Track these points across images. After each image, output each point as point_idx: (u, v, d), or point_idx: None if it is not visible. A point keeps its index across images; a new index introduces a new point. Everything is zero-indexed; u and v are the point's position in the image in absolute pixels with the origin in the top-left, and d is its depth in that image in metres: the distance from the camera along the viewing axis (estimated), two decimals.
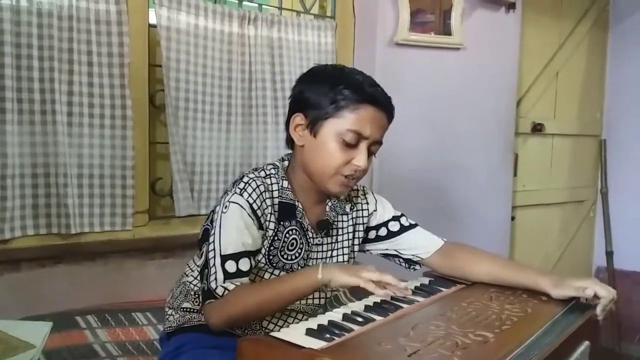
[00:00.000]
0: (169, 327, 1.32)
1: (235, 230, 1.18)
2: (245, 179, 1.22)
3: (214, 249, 1.18)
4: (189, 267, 1.36)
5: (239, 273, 1.17)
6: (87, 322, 1.67)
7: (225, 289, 1.16)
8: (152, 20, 1.96)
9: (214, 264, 1.17)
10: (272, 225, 1.23)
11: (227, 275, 1.17)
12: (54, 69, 1.73)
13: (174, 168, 1.97)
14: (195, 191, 2.06)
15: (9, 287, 1.76)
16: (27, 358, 1.45)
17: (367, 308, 1.14)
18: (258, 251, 1.23)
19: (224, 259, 1.17)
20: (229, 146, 2.12)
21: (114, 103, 1.85)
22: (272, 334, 0.98)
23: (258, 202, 1.20)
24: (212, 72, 2.04)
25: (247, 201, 1.19)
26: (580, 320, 1.15)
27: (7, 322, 1.60)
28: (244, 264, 1.18)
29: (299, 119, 1.25)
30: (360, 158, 1.22)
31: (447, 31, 2.53)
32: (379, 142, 1.26)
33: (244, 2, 2.18)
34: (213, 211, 1.25)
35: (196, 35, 2.00)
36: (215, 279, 1.16)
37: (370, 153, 1.25)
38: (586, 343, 1.13)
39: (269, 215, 1.22)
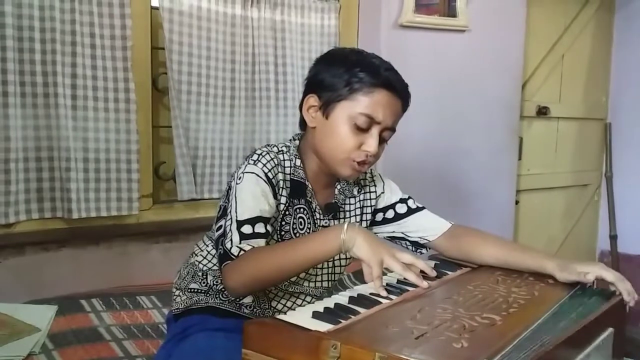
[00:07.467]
0: (177, 308, 1.32)
1: (251, 197, 1.16)
2: (259, 151, 1.21)
3: (230, 218, 1.15)
4: (197, 246, 1.35)
5: (255, 235, 1.14)
6: (92, 306, 1.68)
7: (241, 249, 1.11)
8: (155, 2, 1.94)
9: (230, 230, 1.14)
10: (283, 200, 1.22)
11: (243, 237, 1.12)
12: (57, 52, 1.72)
13: (177, 152, 1.96)
14: (198, 175, 2.05)
15: (13, 272, 1.76)
16: (32, 341, 1.45)
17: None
18: (274, 219, 1.21)
19: (240, 223, 1.13)
20: (232, 130, 2.10)
21: (117, 86, 1.84)
22: (279, 316, 0.98)
23: (273, 172, 1.19)
24: (215, 55, 2.03)
25: (263, 170, 1.18)
26: (604, 306, 1.13)
27: (12, 306, 1.61)
28: (260, 228, 1.15)
29: (312, 100, 1.24)
30: (370, 143, 1.20)
31: (452, 13, 2.50)
32: (391, 129, 1.24)
33: None
34: (229, 188, 1.23)
35: (199, 17, 1.97)
36: (231, 240, 1.13)
37: (382, 140, 1.23)
38: (610, 330, 1.11)
39: (281, 189, 1.22)
